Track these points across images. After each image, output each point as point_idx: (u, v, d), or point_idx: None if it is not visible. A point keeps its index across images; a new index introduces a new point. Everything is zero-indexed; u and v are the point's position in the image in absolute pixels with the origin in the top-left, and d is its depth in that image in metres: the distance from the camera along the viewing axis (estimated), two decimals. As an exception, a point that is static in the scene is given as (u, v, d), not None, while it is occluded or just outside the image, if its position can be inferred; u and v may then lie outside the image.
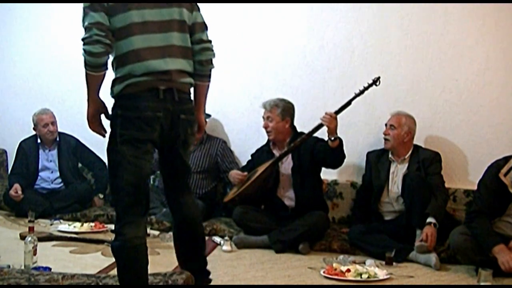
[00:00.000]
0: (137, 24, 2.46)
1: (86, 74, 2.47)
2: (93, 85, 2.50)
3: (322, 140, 4.02)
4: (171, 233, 4.08)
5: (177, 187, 2.77)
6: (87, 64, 2.44)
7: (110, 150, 2.55)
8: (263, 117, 4.21)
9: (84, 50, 2.40)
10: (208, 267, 3.33)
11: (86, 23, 2.41)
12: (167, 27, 2.52)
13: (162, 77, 2.50)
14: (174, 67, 2.54)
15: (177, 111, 2.56)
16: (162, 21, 2.51)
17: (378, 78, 3.90)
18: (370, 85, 3.90)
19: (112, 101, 2.58)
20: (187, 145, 2.68)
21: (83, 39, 2.41)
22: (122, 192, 2.49)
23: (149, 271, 3.34)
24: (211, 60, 2.75)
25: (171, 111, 2.53)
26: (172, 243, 3.94)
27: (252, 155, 4.41)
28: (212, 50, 2.75)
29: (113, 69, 2.56)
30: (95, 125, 2.61)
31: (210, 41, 2.73)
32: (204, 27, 2.70)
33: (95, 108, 2.57)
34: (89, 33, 2.39)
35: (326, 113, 3.87)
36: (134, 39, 2.46)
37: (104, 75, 2.49)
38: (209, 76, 2.77)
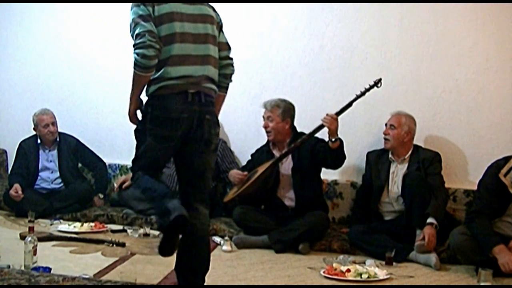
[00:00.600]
0: (178, 34, 2.75)
1: (136, 75, 2.72)
2: (140, 86, 2.77)
3: (323, 140, 4.02)
4: (171, 233, 4.10)
5: (194, 193, 2.84)
6: (139, 66, 2.69)
7: (139, 132, 2.86)
8: (263, 117, 4.21)
9: (137, 53, 2.67)
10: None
11: (138, 31, 2.69)
12: (203, 39, 2.82)
13: (192, 81, 2.77)
14: (205, 73, 2.81)
15: (203, 112, 2.79)
16: (199, 34, 2.81)
17: (380, 80, 3.90)
18: (371, 87, 3.90)
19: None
20: (210, 144, 2.88)
21: (136, 44, 2.68)
22: (143, 159, 2.85)
23: (149, 271, 3.37)
24: (232, 75, 3.04)
25: (198, 112, 2.77)
26: (172, 243, 3.97)
27: (252, 155, 4.41)
28: (233, 67, 3.04)
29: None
30: (135, 120, 2.88)
31: (232, 59, 3.03)
32: (228, 47, 3.01)
33: (136, 106, 2.84)
34: (142, 39, 2.67)
35: (327, 114, 3.87)
36: (175, 46, 2.74)
37: (150, 77, 2.76)
38: (227, 88, 3.04)
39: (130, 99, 2.82)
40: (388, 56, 4.48)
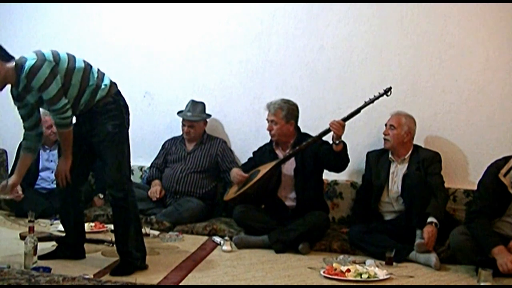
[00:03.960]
0: None
1: (64, 133, 3.25)
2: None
3: (327, 143, 4.01)
4: (171, 233, 4.11)
5: None
6: (64, 126, 3.22)
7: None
8: (267, 119, 4.20)
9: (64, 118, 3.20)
10: (208, 267, 3.35)
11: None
12: None
13: None
14: None
15: None
16: None
17: (390, 88, 3.90)
18: (381, 95, 3.90)
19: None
20: None
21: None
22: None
23: (149, 271, 3.36)
24: None
25: None
26: (172, 243, 3.98)
27: (254, 153, 4.39)
28: None
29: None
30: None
31: None
32: None
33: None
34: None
35: (335, 120, 3.86)
36: None
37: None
38: None
39: (67, 157, 3.33)
40: (388, 56, 4.49)
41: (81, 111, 3.31)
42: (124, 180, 3.36)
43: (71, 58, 3.24)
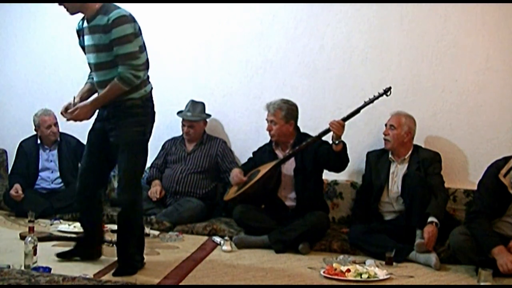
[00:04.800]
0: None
1: (120, 90, 3.18)
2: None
3: (326, 143, 4.01)
4: (171, 233, 4.11)
5: None
6: (129, 84, 3.18)
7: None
8: (267, 120, 4.20)
9: (135, 76, 3.17)
10: (208, 267, 3.34)
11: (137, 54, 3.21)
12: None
13: None
14: None
15: None
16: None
17: (389, 88, 3.90)
18: (380, 95, 3.90)
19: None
20: None
21: (138, 66, 3.20)
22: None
23: (149, 271, 3.37)
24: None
25: None
26: (172, 243, 3.98)
27: (253, 153, 4.39)
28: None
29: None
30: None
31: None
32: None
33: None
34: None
35: (335, 120, 3.86)
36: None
37: None
38: None
39: (98, 106, 3.27)
40: (388, 56, 4.48)
41: (111, 103, 3.25)
42: (135, 187, 3.33)
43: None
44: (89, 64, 3.36)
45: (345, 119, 3.88)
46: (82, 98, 3.38)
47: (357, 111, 3.91)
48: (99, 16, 3.19)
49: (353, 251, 3.88)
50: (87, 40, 3.29)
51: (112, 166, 3.53)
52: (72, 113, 3.25)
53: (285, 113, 4.12)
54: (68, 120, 3.30)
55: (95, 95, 3.35)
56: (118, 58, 3.17)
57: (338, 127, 3.83)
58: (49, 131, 4.77)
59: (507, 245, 3.38)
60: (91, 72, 3.39)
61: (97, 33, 3.20)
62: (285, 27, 4.71)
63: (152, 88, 3.36)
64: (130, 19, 3.18)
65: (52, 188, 4.80)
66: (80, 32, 3.38)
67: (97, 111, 3.35)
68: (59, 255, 3.47)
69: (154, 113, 3.39)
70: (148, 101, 3.33)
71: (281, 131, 4.14)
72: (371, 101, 3.90)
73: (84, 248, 3.52)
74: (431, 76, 4.41)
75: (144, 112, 3.30)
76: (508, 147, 4.10)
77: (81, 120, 3.27)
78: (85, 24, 3.31)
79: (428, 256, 3.62)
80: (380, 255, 3.70)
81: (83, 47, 3.39)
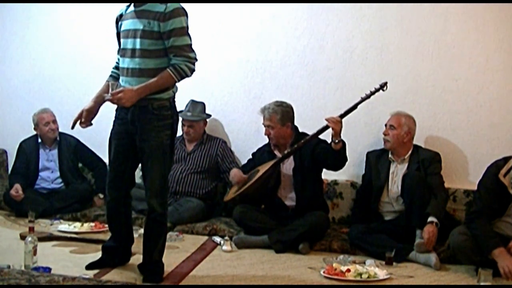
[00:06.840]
0: None
1: (173, 80, 3.10)
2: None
3: (325, 141, 4.01)
4: (171, 233, 4.11)
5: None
6: (182, 77, 3.12)
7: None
8: (263, 125, 4.19)
9: (189, 68, 3.12)
10: (208, 267, 3.34)
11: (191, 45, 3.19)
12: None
13: None
14: None
15: None
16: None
17: (385, 83, 3.89)
18: (377, 90, 3.89)
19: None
20: None
21: (191, 59, 3.15)
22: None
23: (149, 271, 3.35)
24: None
25: None
26: (172, 243, 3.98)
27: (253, 154, 4.40)
28: None
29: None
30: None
31: None
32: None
33: None
34: (195, 56, 3.19)
35: (331, 117, 3.86)
36: None
37: None
38: None
39: (145, 93, 3.07)
40: (388, 56, 4.48)
41: (137, 103, 3.11)
42: (166, 193, 3.30)
43: None
44: (123, 50, 3.20)
45: (342, 115, 3.88)
46: (98, 100, 3.30)
47: (354, 107, 3.91)
48: (152, 2, 3.09)
49: (353, 251, 3.88)
50: (131, 24, 3.16)
51: (136, 166, 3.42)
52: (116, 94, 3.05)
53: (280, 116, 4.11)
54: (109, 100, 3.09)
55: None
56: (173, 48, 3.09)
57: (335, 122, 3.83)
58: (47, 128, 4.77)
59: (507, 245, 3.38)
60: (123, 58, 3.21)
61: (147, 19, 3.09)
62: (285, 27, 4.71)
63: (177, 89, 3.29)
64: (185, 12, 3.14)
65: (52, 188, 4.80)
66: (120, 18, 3.26)
67: (117, 113, 3.26)
68: (88, 266, 3.34)
69: (178, 114, 3.32)
70: (174, 102, 3.26)
71: (279, 134, 4.14)
72: (368, 96, 3.90)
73: (114, 256, 3.42)
74: (431, 76, 4.41)
75: (171, 114, 3.21)
76: (508, 147, 4.10)
77: (122, 104, 3.06)
78: (131, 8, 3.19)
79: (428, 256, 3.62)
80: (380, 255, 3.71)
81: (118, 34, 3.26)
